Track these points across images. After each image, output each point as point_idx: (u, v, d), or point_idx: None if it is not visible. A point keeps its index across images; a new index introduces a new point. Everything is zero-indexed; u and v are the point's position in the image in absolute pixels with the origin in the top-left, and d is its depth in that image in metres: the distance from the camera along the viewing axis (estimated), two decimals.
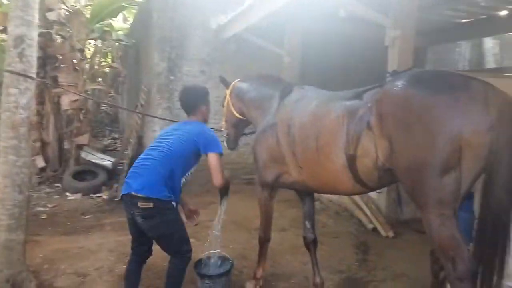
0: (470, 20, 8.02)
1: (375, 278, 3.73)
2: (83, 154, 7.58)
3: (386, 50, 5.03)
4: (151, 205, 2.59)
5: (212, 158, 2.78)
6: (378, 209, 4.91)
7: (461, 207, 3.93)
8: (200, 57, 6.98)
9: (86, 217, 5.83)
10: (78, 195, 6.84)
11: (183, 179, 2.88)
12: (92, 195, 6.90)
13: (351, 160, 2.43)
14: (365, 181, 2.49)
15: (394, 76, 4.72)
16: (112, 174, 7.66)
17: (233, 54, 7.13)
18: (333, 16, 6.39)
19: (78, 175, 7.33)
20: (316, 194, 5.73)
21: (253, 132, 4.04)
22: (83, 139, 7.66)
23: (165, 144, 2.76)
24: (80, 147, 7.67)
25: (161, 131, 3.05)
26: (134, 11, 11.87)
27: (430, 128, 2.03)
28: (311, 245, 3.33)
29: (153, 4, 6.87)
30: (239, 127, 3.78)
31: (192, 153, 2.80)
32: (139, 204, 2.60)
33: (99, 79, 11.60)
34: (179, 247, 2.77)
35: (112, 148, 10.22)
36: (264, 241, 3.37)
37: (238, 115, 3.59)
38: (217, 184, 2.87)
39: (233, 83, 3.65)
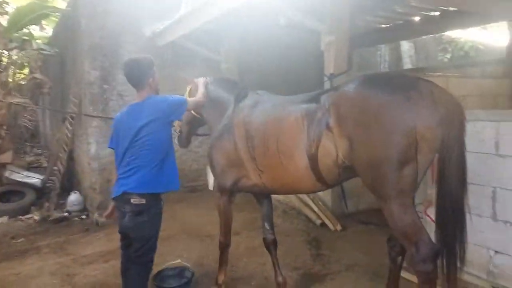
0: (388, 25, 8.72)
1: (330, 271, 3.89)
2: (7, 173, 6.95)
3: (320, 55, 5.30)
4: (143, 201, 2.62)
5: (189, 107, 2.98)
6: (324, 205, 5.13)
7: None
8: None
9: (18, 241, 5.36)
10: (5, 218, 6.28)
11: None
12: (20, 216, 6.35)
13: (313, 160, 2.54)
14: (326, 179, 2.61)
15: (331, 79, 5.06)
16: (42, 192, 7.12)
17: (170, 61, 7.01)
18: (269, 23, 6.62)
19: (3, 196, 6.72)
20: None
21: (205, 135, 4.02)
22: (6, 157, 7.04)
23: (143, 146, 2.65)
24: (3, 166, 7.01)
25: (116, 124, 2.87)
26: (54, 18, 11.13)
27: (387, 126, 2.19)
28: (271, 245, 3.39)
29: (80, 11, 6.51)
30: (193, 125, 3.71)
31: (170, 131, 2.83)
32: (132, 200, 2.61)
33: (14, 92, 10.69)
34: (147, 254, 2.75)
35: (37, 165, 9.47)
36: (224, 247, 3.36)
37: (194, 113, 3.51)
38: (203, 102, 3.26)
39: (195, 80, 3.56)
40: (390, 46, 10.15)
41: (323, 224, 4.97)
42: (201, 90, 3.31)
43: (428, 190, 3.73)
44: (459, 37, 11.42)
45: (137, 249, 2.72)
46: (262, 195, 3.41)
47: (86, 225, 5.91)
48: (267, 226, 3.41)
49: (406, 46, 10.22)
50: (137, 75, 2.75)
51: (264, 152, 2.81)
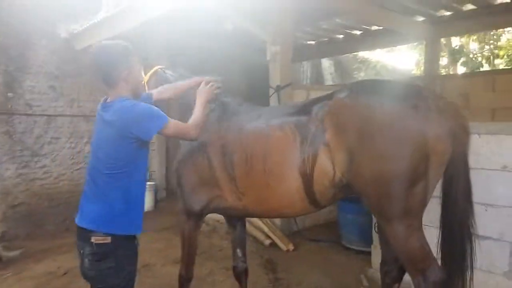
0: (313, 42, 8.92)
1: None
2: None
3: (261, 68, 5.10)
4: (108, 239, 1.97)
5: (168, 131, 2.07)
6: (272, 223, 4.85)
7: (358, 211, 4.10)
8: (48, 70, 5.84)
9: None
10: None
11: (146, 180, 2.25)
12: None
13: (308, 181, 2.24)
14: (319, 201, 2.32)
15: (278, 90, 4.85)
16: None
17: (90, 67, 6.20)
18: (209, 31, 6.27)
19: None
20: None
21: None
22: None
23: (103, 166, 2.02)
24: None
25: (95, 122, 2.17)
26: None
27: (395, 137, 1.98)
28: (242, 275, 3.02)
29: None
30: None
31: (137, 150, 2.06)
32: (93, 239, 1.96)
33: None
34: None
35: None
36: (185, 281, 2.86)
37: None
38: (195, 136, 2.25)
39: (155, 68, 2.99)
40: (311, 63, 10.41)
41: (272, 244, 4.68)
42: (200, 107, 2.37)
43: None
44: (370, 58, 12.25)
45: None
46: (234, 218, 3.02)
47: None
48: (239, 253, 3.04)
49: (326, 63, 10.58)
50: (105, 67, 2.03)
51: (247, 171, 2.44)
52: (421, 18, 7.06)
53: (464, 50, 13.39)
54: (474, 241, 2.14)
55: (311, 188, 2.24)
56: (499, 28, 10.26)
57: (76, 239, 2.08)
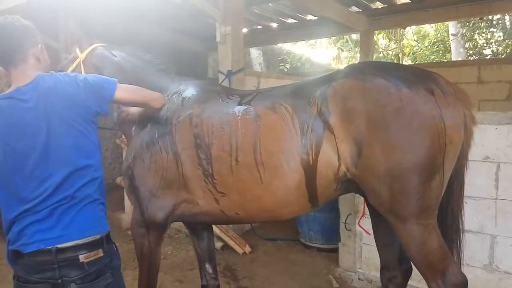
0: (246, 29, 8.51)
1: None
2: None
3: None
4: (100, 252, 1.55)
5: (123, 94, 1.77)
6: None
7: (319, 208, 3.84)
8: None
9: None
10: None
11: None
12: None
13: (311, 174, 1.89)
14: (319, 198, 1.98)
15: (229, 76, 4.37)
16: None
17: None
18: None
19: None
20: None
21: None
22: None
23: (61, 160, 1.52)
24: None
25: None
26: None
27: (415, 124, 1.73)
28: None
29: None
30: None
31: (96, 132, 1.69)
32: (83, 259, 1.50)
33: None
34: None
35: None
36: None
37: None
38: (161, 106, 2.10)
39: (92, 46, 2.39)
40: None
41: (225, 247, 4.21)
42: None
43: (357, 199, 3.47)
44: (293, 51, 12.28)
45: None
46: (201, 226, 2.50)
47: None
48: (208, 268, 2.56)
49: (255, 53, 10.27)
50: (8, 39, 1.55)
51: (231, 165, 1.99)
52: (356, 9, 7.07)
53: (376, 46, 14.18)
54: (463, 236, 2.05)
55: (313, 183, 1.90)
56: (431, 23, 10.77)
57: (35, 269, 1.48)
